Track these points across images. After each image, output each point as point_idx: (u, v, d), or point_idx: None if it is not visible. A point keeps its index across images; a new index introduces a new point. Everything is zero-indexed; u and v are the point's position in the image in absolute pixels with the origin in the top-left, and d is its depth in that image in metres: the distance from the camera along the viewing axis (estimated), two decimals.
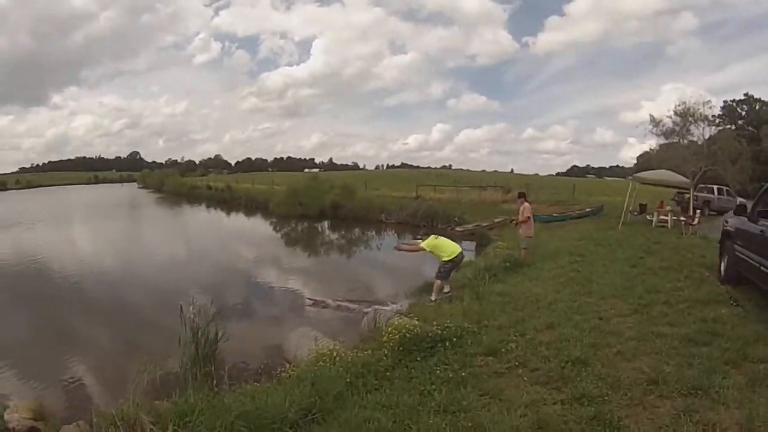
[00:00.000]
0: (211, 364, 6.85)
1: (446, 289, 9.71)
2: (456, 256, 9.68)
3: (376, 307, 9.23)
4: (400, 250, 11.17)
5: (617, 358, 5.51)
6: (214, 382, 6.19)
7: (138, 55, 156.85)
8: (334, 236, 26.33)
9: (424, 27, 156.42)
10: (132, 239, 26.29)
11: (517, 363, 5.61)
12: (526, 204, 12.92)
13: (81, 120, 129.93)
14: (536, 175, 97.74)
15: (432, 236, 9.85)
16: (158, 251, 22.15)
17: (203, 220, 38.60)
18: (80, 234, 29.07)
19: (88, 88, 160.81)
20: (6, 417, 6.35)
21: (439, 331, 6.52)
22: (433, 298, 9.55)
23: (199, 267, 17.77)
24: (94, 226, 33.06)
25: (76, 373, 9.20)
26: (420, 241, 9.94)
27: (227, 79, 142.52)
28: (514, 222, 13.54)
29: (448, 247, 9.68)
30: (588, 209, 25.22)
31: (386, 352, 6.12)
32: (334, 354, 6.10)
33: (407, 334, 6.38)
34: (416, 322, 7.05)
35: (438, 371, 5.59)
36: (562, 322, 6.89)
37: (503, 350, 6.02)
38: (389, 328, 6.72)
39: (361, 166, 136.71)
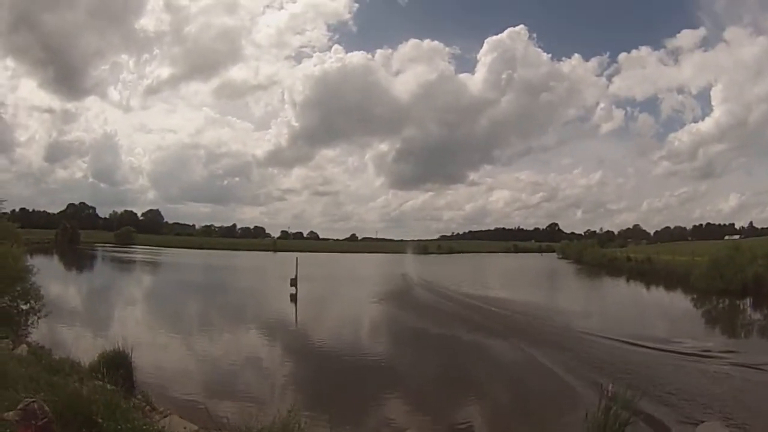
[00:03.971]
0: None
1: None
2: None
3: None
4: None
5: None
6: None
7: (545, 131, 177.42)
8: (755, 316, 25.56)
9: None
10: (552, 308, 28.72)
11: None
12: None
13: (499, 194, 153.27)
14: None
15: None
16: (574, 320, 23.25)
17: (622, 293, 41.50)
18: (508, 294, 35.02)
19: (501, 165, 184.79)
20: None
21: None
22: None
23: (614, 340, 18.46)
24: (533, 294, 37.98)
25: (468, 419, 10.82)
26: None
27: (636, 145, 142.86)
28: None
29: None
30: None
31: None
32: None
33: None
34: None
35: None
36: None
37: None
38: None
39: None
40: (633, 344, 17.93)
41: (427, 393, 12.72)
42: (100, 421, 6.08)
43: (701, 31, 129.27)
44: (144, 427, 6.57)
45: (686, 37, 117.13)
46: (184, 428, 7.72)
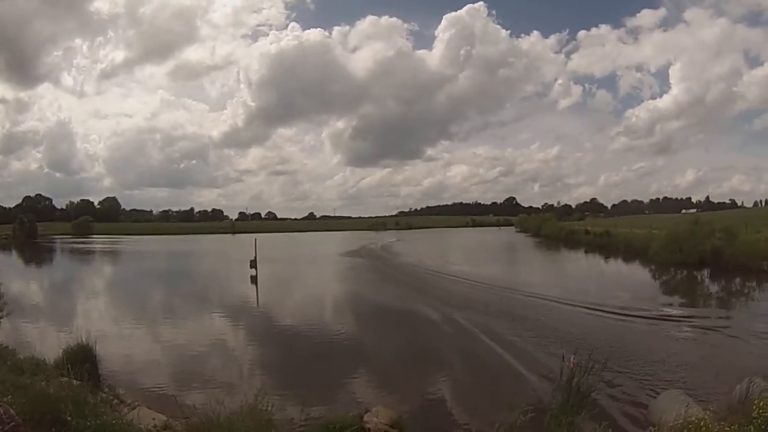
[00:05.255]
0: (577, 414, 6.94)
1: None
2: None
3: (751, 377, 8.42)
4: None
5: None
6: None
7: (502, 106, 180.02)
8: (713, 288, 26.60)
9: None
10: (517, 281, 28.80)
11: None
12: None
13: (456, 169, 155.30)
14: None
15: None
16: (537, 291, 23.73)
17: (583, 265, 43.03)
18: (473, 270, 34.45)
19: (459, 140, 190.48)
20: (365, 418, 7.41)
21: None
22: None
23: (577, 310, 19.26)
24: (494, 266, 39.20)
25: (435, 393, 10.97)
26: None
27: (594, 121, 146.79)
28: None
29: None
30: None
31: (753, 429, 5.75)
32: (701, 425, 5.84)
33: None
34: None
35: None
36: None
37: None
38: (761, 402, 6.21)
39: (739, 203, 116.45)
40: (595, 312, 18.95)
41: (391, 370, 13.02)
42: (69, 419, 6.07)
43: (662, 12, 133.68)
44: (113, 421, 6.55)
45: (646, 17, 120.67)
46: (153, 419, 7.77)
